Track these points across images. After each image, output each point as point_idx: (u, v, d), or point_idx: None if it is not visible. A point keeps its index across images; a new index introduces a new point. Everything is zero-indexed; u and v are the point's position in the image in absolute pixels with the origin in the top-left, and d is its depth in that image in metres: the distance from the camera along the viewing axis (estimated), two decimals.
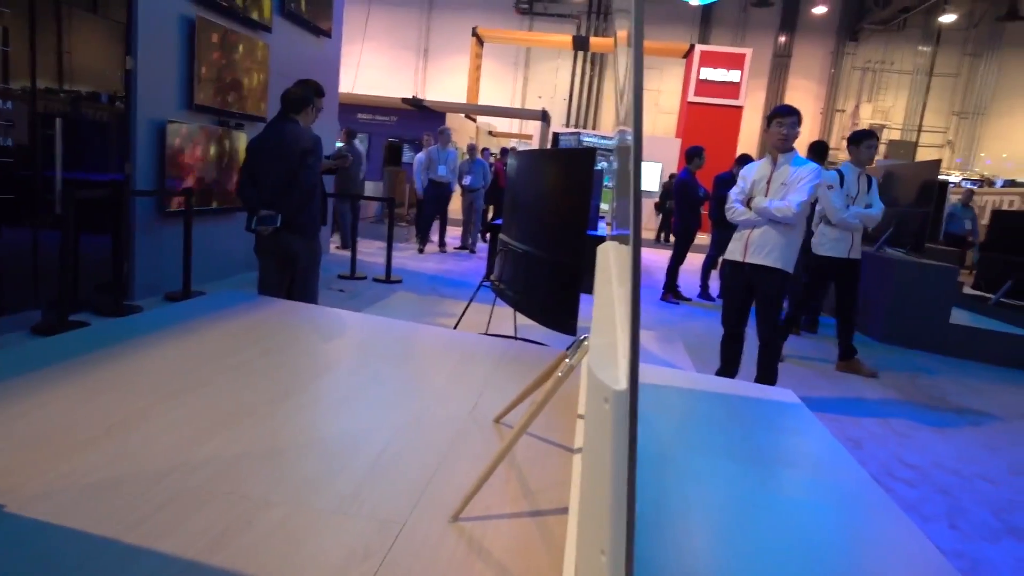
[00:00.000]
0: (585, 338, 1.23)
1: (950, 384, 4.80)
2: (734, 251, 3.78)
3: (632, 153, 0.84)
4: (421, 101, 14.99)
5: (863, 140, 4.92)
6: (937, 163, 6.46)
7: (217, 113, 5.50)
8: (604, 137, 12.40)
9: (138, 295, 4.85)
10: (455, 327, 4.14)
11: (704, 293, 7.57)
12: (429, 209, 9.01)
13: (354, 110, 14.80)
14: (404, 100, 14.80)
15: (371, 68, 23.61)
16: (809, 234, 4.90)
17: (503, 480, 1.29)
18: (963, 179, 22.72)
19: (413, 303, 5.37)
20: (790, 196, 3.54)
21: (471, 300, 4.13)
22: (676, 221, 7.49)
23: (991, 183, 22.03)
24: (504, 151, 12.46)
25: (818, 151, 5.77)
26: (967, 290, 6.82)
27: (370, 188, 10.82)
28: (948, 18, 21.30)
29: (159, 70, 4.84)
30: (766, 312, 3.76)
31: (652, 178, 18.12)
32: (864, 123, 24.74)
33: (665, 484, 1.33)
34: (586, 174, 3.01)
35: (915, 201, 6.62)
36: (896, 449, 3.36)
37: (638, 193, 0.80)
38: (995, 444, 3.61)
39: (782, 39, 23.80)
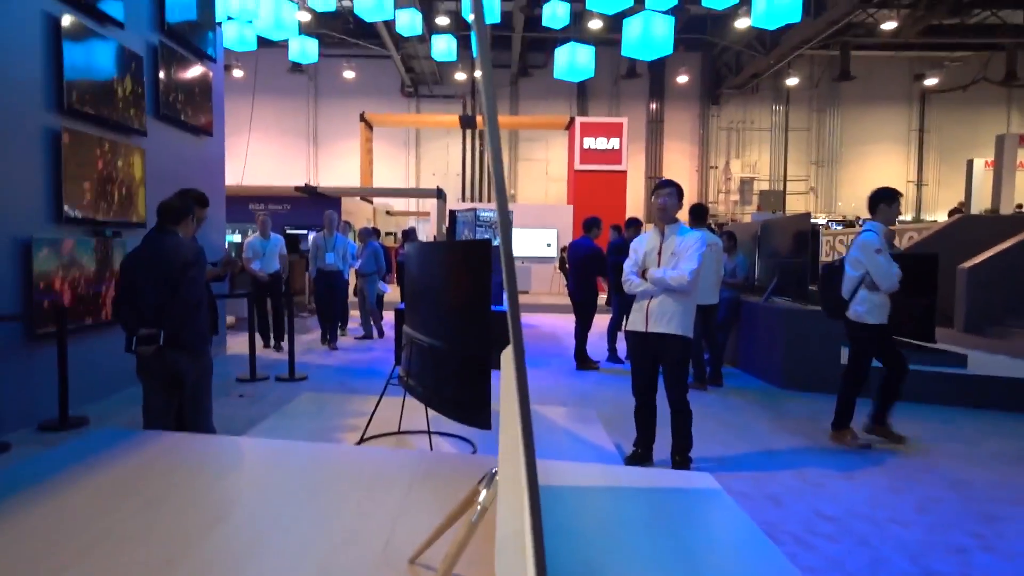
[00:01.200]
0: (495, 472, 1.16)
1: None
2: (636, 322, 3.86)
3: (502, 250, 0.80)
4: (314, 188, 14.84)
5: (895, 199, 4.52)
6: (807, 216, 6.99)
7: (90, 224, 5.16)
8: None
9: (7, 427, 4.35)
10: (363, 437, 3.95)
11: (613, 357, 7.69)
12: (322, 301, 8.46)
13: (245, 201, 14.44)
14: (297, 188, 14.60)
15: (261, 157, 23.29)
16: (841, 302, 4.55)
17: None
18: (828, 220, 24.80)
19: (319, 404, 5.11)
20: (681, 265, 3.68)
21: (379, 402, 3.95)
22: (576, 291, 7.60)
23: (852, 224, 24.18)
24: (406, 233, 12.35)
25: (698, 214, 6.12)
26: None
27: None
28: (792, 81, 23.65)
29: (20, 184, 4.50)
30: (674, 378, 3.83)
31: (550, 243, 18.66)
32: (736, 177, 26.72)
33: None
34: (483, 265, 3.00)
35: (793, 251, 7.08)
36: (813, 501, 3.44)
37: (515, 312, 0.76)
38: (897, 484, 3.77)
39: (653, 106, 25.57)
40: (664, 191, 3.76)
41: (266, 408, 5.16)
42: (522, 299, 11.65)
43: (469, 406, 3.07)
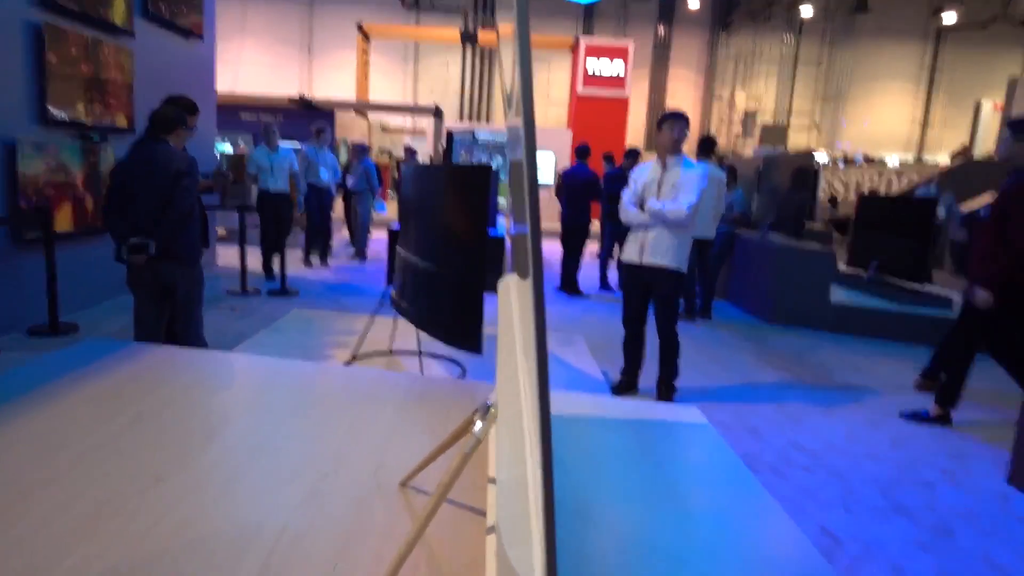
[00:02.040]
0: (492, 406, 1.16)
1: (833, 361, 5.13)
2: (631, 253, 3.84)
3: (525, 172, 0.77)
4: (309, 100, 14.42)
5: None
6: (810, 153, 6.88)
7: (77, 127, 5.01)
8: (497, 133, 12.42)
9: None
10: (354, 356, 3.98)
11: (604, 285, 7.73)
12: (314, 219, 7.94)
13: (236, 110, 14.03)
14: (291, 100, 14.17)
15: (253, 65, 22.52)
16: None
17: (412, 568, 1.20)
18: (829, 158, 24.50)
19: (310, 322, 5.13)
20: (680, 198, 3.63)
21: (370, 323, 3.97)
22: (571, 216, 7.54)
23: (852, 161, 23.92)
24: (407, 152, 12.03)
25: (706, 147, 6.02)
26: (843, 267, 7.30)
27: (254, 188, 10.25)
28: (807, 11, 22.78)
29: (1, 83, 4.33)
30: (664, 311, 3.86)
31: (547, 168, 18.36)
32: (739, 109, 26.17)
33: (586, 544, 1.29)
34: (482, 193, 2.95)
35: (793, 188, 7.02)
36: (791, 435, 3.53)
37: (536, 231, 0.74)
38: (876, 419, 3.87)
39: (661, 31, 24.67)
40: (677, 123, 3.66)
41: (256, 322, 5.18)
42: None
43: (461, 330, 3.09)
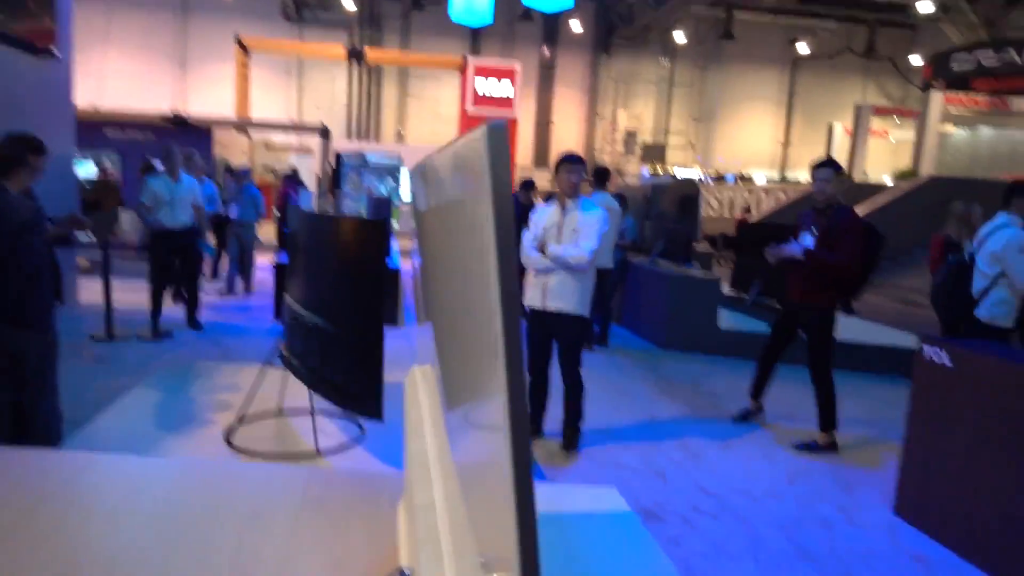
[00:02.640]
0: (408, 573, 1.00)
1: (725, 388, 5.30)
2: (534, 298, 3.77)
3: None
4: (184, 117, 13.46)
5: None
6: (694, 181, 7.15)
7: None
8: (388, 155, 12.11)
9: None
10: (240, 418, 3.63)
11: None
12: (162, 271, 6.05)
13: (100, 126, 12.84)
14: (165, 119, 13.14)
15: (120, 77, 20.86)
16: (968, 300, 4.12)
17: None
18: (703, 176, 25.96)
19: (187, 376, 4.68)
20: (582, 243, 3.61)
21: (261, 377, 3.64)
22: None
23: (722, 178, 25.50)
24: (288, 178, 11.42)
25: (601, 178, 6.12)
26: (726, 289, 7.63)
27: (126, 218, 9.26)
28: (679, 37, 24.11)
29: None
30: (569, 356, 3.82)
31: None
32: (621, 129, 27.22)
33: None
34: (379, 248, 2.76)
35: (680, 215, 7.28)
36: (696, 476, 3.57)
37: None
38: (770, 452, 4.01)
39: (546, 52, 25.26)
40: (575, 167, 3.64)
41: (118, 373, 4.66)
42: (404, 244, 11.17)
43: (358, 394, 2.88)
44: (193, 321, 6.28)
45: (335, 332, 3.01)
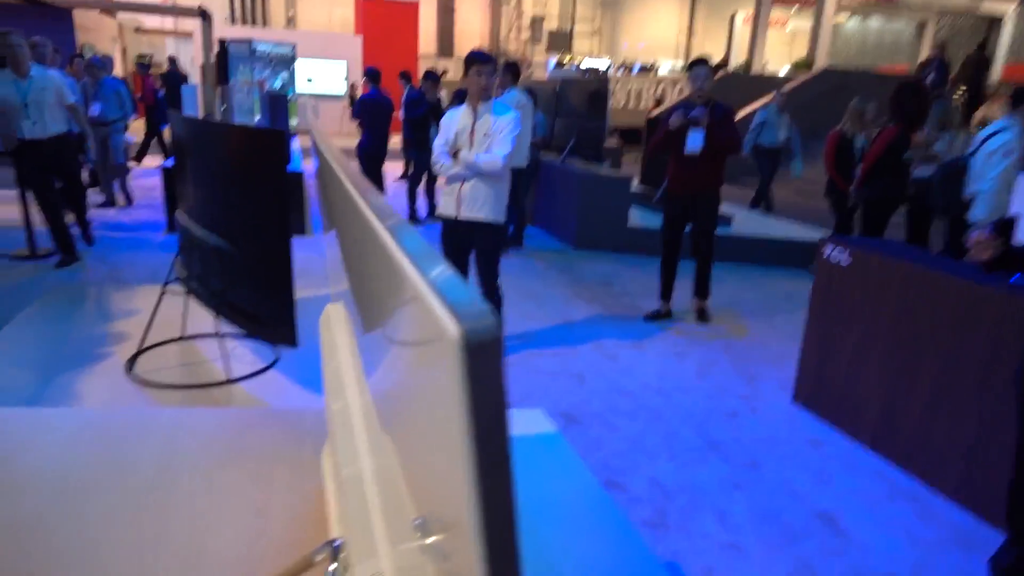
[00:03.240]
0: (342, 547, 0.94)
1: (635, 287, 5.45)
2: (447, 207, 3.64)
3: None
4: None
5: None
6: (605, 78, 7.00)
7: None
8: (280, 44, 11.08)
9: None
10: (140, 349, 3.38)
11: (413, 217, 7.46)
12: (35, 180, 4.99)
13: None
14: None
15: None
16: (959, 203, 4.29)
17: None
18: (610, 65, 25.62)
19: (77, 301, 4.30)
20: (495, 148, 3.47)
21: (156, 308, 3.38)
22: (369, 146, 7.26)
23: (629, 69, 25.28)
24: (170, 62, 10.22)
25: (512, 73, 5.88)
26: (636, 185, 7.71)
27: None
28: None
29: None
30: (486, 266, 3.75)
31: (337, 79, 17.08)
32: (527, 15, 26.18)
33: None
34: (279, 160, 2.52)
35: (590, 112, 7.15)
36: (613, 377, 3.70)
37: None
38: (679, 348, 4.20)
39: None
40: (485, 67, 3.42)
41: (5, 299, 4.23)
42: (304, 143, 10.52)
43: (269, 320, 2.72)
44: (87, 235, 5.70)
45: (236, 253, 2.79)
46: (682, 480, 2.73)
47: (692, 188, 4.49)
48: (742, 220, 7.20)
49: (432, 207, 7.47)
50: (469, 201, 3.56)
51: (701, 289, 4.77)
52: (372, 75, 7.32)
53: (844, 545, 2.38)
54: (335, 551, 0.92)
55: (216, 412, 1.89)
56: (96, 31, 13.65)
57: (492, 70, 3.46)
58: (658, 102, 17.01)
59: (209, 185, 2.98)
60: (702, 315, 4.76)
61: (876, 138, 4.74)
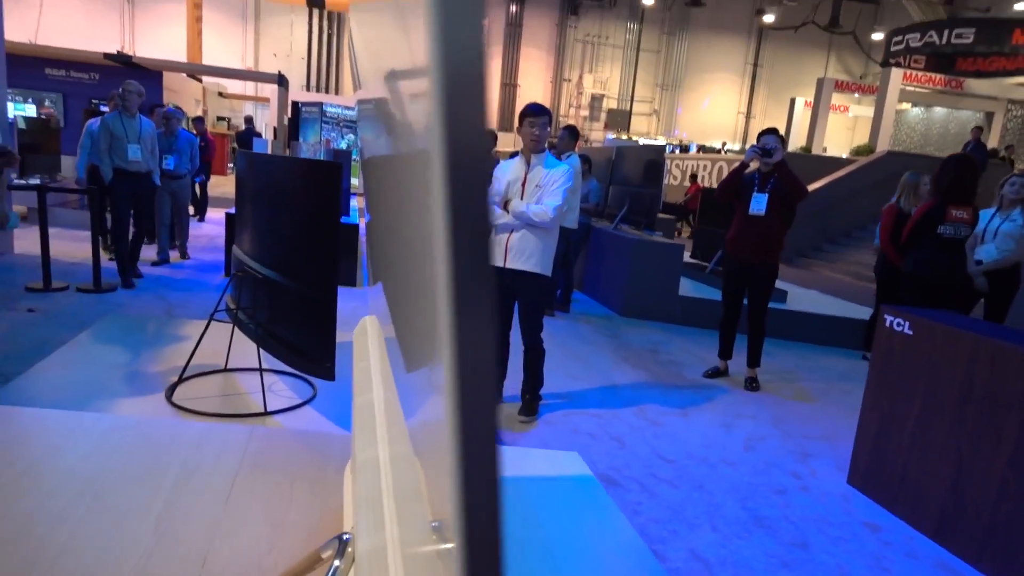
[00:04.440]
0: (349, 541, 0.89)
1: (684, 356, 5.30)
2: (494, 256, 3.64)
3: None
4: (129, 57, 12.71)
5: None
6: (662, 147, 7.06)
7: None
8: (349, 107, 11.68)
9: None
10: (180, 378, 3.43)
11: None
12: (121, 216, 5.77)
13: (39, 64, 12.04)
14: (107, 56, 12.38)
15: (58, 13, 19.57)
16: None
17: None
18: (667, 144, 25.95)
19: (129, 330, 4.43)
20: (545, 200, 3.49)
21: (202, 335, 3.44)
22: None
23: (686, 148, 25.57)
24: (247, 121, 10.70)
25: (572, 136, 6.03)
26: (687, 258, 7.63)
27: (68, 164, 8.56)
28: (648, 0, 23.81)
29: None
30: (530, 317, 3.71)
31: None
32: (587, 92, 26.95)
33: None
34: (333, 194, 2.58)
35: (644, 181, 7.18)
36: (653, 442, 3.54)
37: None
38: (727, 420, 4.01)
39: (513, 8, 24.69)
40: (539, 119, 3.48)
41: (58, 328, 4.39)
42: (363, 203, 10.83)
43: (309, 353, 2.73)
44: (130, 276, 5.80)
45: (286, 284, 2.84)
46: (725, 554, 2.54)
47: (753, 252, 4.45)
48: (796, 297, 7.01)
49: None
50: (516, 251, 3.56)
51: (753, 358, 4.69)
52: None
53: None
54: (343, 545, 0.87)
55: (243, 428, 1.87)
56: (182, 93, 14.62)
57: (546, 122, 3.51)
58: (694, 177, 17.07)
59: (266, 216, 3.07)
60: (752, 384, 4.64)
61: (916, 211, 4.65)
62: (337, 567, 0.86)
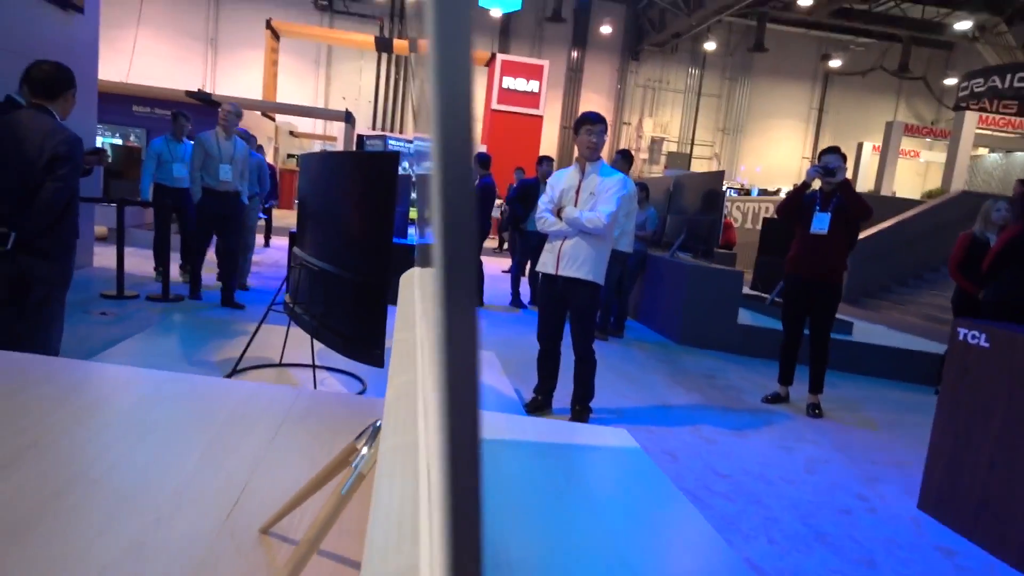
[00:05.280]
0: (378, 424, 0.87)
1: (742, 383, 5.12)
2: (547, 264, 3.63)
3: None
4: (208, 95, 13.51)
5: None
6: (721, 174, 6.97)
7: None
8: (410, 141, 12.06)
9: None
10: (236, 366, 3.53)
11: (516, 301, 7.53)
12: (202, 236, 5.82)
13: (127, 102, 12.92)
14: (188, 93, 13.21)
15: (149, 56, 21.02)
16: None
17: None
18: (728, 188, 25.64)
19: (190, 327, 4.59)
20: (599, 207, 3.47)
21: (258, 328, 3.53)
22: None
23: (748, 192, 25.20)
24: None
25: (626, 159, 6.01)
26: (746, 290, 7.43)
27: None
28: (710, 45, 23.91)
29: None
30: (581, 325, 3.66)
31: None
32: (647, 136, 27.03)
33: None
34: (389, 178, 2.63)
35: (702, 209, 7.09)
36: (708, 459, 3.40)
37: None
38: (787, 443, 3.82)
39: (575, 54, 25.16)
40: (596, 127, 3.49)
41: (130, 329, 4.58)
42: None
43: (361, 341, 2.75)
44: (230, 297, 5.68)
45: (340, 274, 2.89)
46: (783, 566, 2.39)
47: (815, 271, 4.31)
48: (863, 330, 6.71)
49: (534, 294, 7.50)
50: (569, 259, 3.54)
51: (815, 383, 4.49)
52: (482, 160, 7.46)
53: None
54: (375, 432, 0.85)
55: (291, 388, 1.88)
56: (256, 130, 15.38)
57: (603, 130, 3.52)
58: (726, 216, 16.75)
59: (325, 212, 3.15)
60: (815, 410, 4.43)
61: (1000, 237, 4.39)
62: (364, 455, 0.84)
